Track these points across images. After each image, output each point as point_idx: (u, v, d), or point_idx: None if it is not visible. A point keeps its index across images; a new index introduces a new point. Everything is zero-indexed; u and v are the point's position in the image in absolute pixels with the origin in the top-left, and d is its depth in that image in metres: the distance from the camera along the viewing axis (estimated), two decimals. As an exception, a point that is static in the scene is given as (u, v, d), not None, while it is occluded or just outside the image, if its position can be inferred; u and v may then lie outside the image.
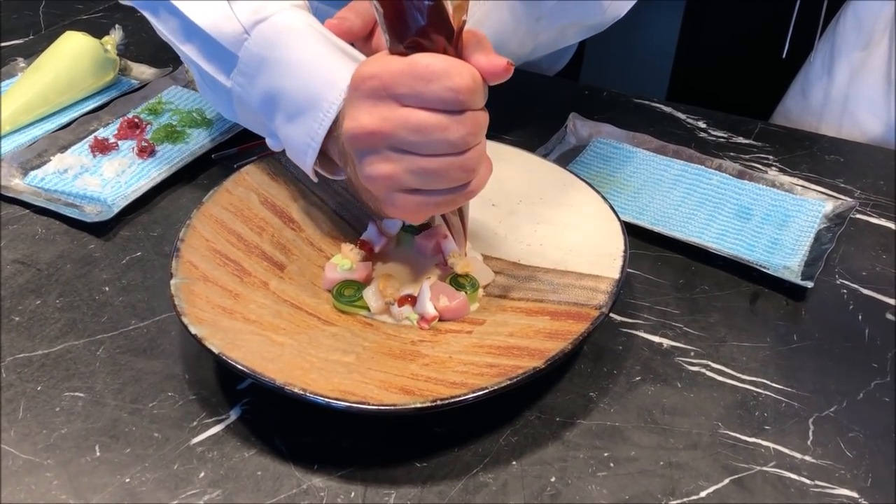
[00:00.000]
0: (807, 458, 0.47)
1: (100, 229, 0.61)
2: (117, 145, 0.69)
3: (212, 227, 0.54)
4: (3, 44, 0.87)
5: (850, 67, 0.82)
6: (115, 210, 0.61)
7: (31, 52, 0.82)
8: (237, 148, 0.69)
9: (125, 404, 0.48)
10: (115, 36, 0.80)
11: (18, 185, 0.65)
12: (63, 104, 0.74)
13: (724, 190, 0.67)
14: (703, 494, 0.44)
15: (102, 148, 0.68)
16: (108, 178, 0.65)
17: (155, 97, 0.76)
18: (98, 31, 0.79)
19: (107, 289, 0.56)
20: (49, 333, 0.52)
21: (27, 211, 0.63)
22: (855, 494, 0.45)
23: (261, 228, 0.56)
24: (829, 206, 0.66)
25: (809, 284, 0.57)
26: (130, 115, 0.73)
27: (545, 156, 0.65)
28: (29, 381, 0.49)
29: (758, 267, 0.58)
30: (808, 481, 0.45)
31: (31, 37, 0.88)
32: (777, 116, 0.90)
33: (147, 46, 0.86)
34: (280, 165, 0.60)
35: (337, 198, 0.60)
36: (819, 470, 0.46)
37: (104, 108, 0.74)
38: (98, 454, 0.45)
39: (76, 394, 0.48)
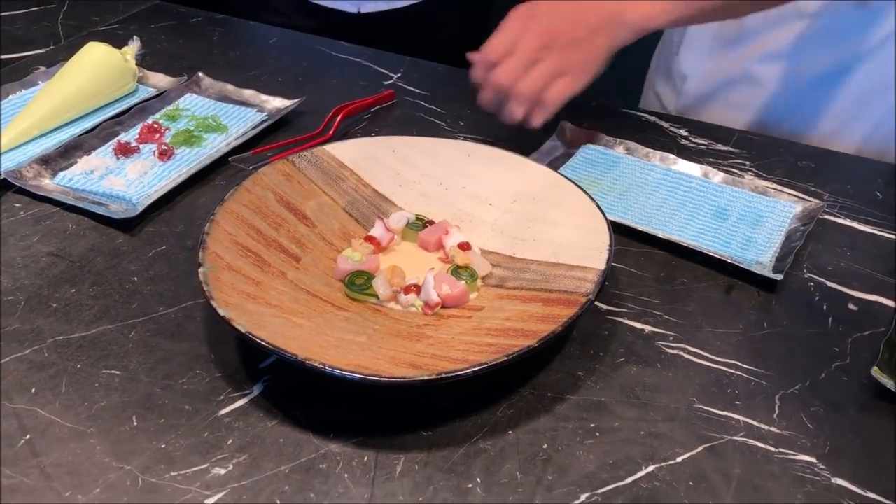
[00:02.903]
0: (772, 429, 0.52)
1: (126, 225, 0.66)
2: (139, 148, 0.74)
3: (233, 222, 0.59)
4: (24, 53, 0.91)
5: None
6: (140, 208, 0.66)
7: (52, 62, 0.87)
8: (251, 151, 0.74)
9: (157, 381, 0.53)
10: (133, 46, 0.85)
11: (48, 184, 0.70)
12: (86, 110, 0.78)
13: (703, 192, 0.73)
14: (679, 460, 0.50)
15: (125, 151, 0.73)
16: (131, 179, 0.70)
17: (172, 104, 0.81)
18: (115, 42, 0.83)
19: (135, 279, 0.61)
20: (85, 318, 0.57)
21: (58, 208, 0.68)
22: (814, 460, 0.50)
23: (277, 224, 0.61)
24: (799, 208, 0.71)
25: (779, 277, 0.62)
26: (150, 121, 0.78)
27: (538, 160, 0.71)
28: (69, 360, 0.54)
29: (732, 262, 0.64)
30: (773, 449, 0.51)
31: (52, 47, 0.93)
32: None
33: (162, 56, 0.91)
34: (293, 167, 0.65)
35: (346, 196, 0.65)
36: (783, 439, 0.51)
37: (125, 113, 0.79)
38: (135, 423, 0.50)
39: (112, 371, 0.53)
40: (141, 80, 0.85)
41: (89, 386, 0.52)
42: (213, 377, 0.53)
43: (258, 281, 0.56)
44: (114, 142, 0.75)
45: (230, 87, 0.84)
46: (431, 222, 0.63)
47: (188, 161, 0.73)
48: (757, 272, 0.63)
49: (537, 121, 0.68)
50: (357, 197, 0.65)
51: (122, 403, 0.51)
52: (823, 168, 0.78)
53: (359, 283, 0.58)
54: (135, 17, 1.01)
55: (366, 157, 0.67)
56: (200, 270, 0.53)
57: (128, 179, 0.70)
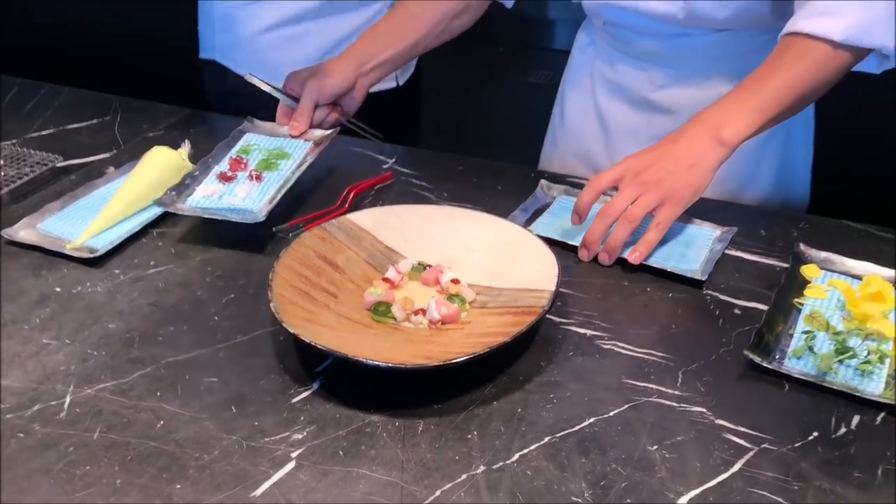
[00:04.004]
0: (676, 392, 0.75)
1: (205, 276, 0.89)
2: (235, 175, 1.01)
3: (287, 272, 0.82)
4: (94, 157, 1.15)
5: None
6: (262, 217, 0.92)
7: (118, 163, 1.11)
8: (288, 223, 0.98)
9: (244, 383, 0.75)
10: (185, 148, 1.08)
11: (184, 207, 0.95)
12: (154, 199, 1.01)
13: (645, 222, 0.95)
14: (611, 414, 0.72)
15: (227, 178, 1.00)
16: (243, 196, 0.97)
17: (241, 143, 1.08)
18: (168, 144, 1.07)
19: (216, 318, 0.83)
20: (184, 346, 0.79)
21: (149, 271, 0.90)
22: (704, 410, 0.73)
23: (318, 272, 0.84)
24: (717, 232, 0.96)
25: (704, 277, 0.87)
26: (234, 156, 1.05)
27: (524, 210, 0.97)
28: (179, 373, 0.76)
29: (672, 270, 0.88)
30: (676, 405, 0.73)
31: (115, 151, 1.17)
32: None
33: (207, 154, 1.15)
34: (326, 232, 0.88)
35: (365, 251, 0.89)
36: (683, 398, 0.74)
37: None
38: (234, 411, 0.72)
39: (211, 379, 0.75)
40: (193, 174, 1.08)
41: (197, 389, 0.74)
42: (284, 379, 0.75)
43: (310, 310, 0.78)
44: (216, 173, 1.02)
45: (279, 128, 1.11)
46: (429, 266, 0.87)
47: (275, 180, 1.01)
48: (689, 276, 0.88)
49: (641, 255, 0.90)
50: (373, 251, 0.89)
51: (223, 399, 0.73)
52: (723, 213, 1.03)
53: (381, 310, 0.81)
54: (176, 124, 1.25)
55: (378, 222, 0.91)
56: (272, 304, 0.76)
57: (240, 197, 0.97)
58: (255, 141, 1.09)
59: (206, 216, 0.95)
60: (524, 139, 1.53)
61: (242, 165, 1.03)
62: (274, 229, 0.97)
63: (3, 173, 1.07)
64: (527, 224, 0.98)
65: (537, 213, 1.00)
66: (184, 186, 0.99)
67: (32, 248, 0.93)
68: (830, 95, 0.98)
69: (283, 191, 0.97)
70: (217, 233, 0.97)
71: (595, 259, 0.93)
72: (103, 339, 0.80)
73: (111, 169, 1.10)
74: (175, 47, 1.56)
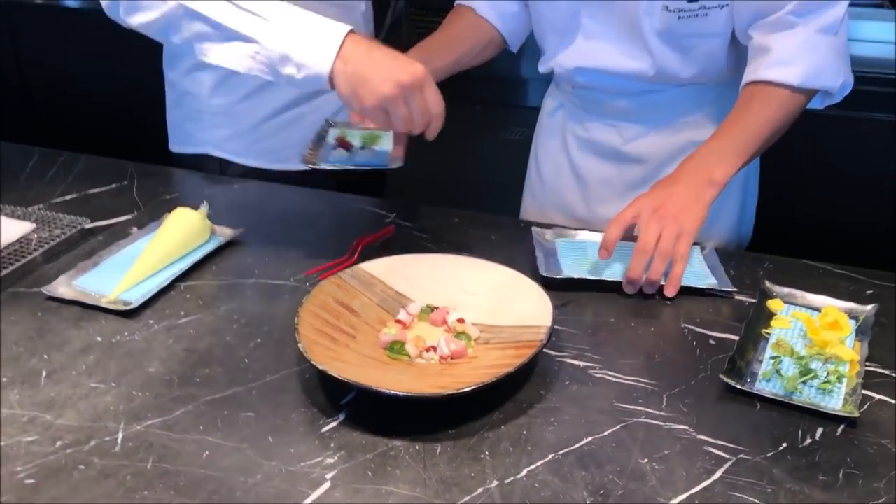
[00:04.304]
0: (662, 413, 0.84)
1: (234, 322, 0.97)
2: (351, 144, 1.26)
3: (310, 317, 0.91)
4: (117, 219, 1.24)
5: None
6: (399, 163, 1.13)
7: (141, 224, 1.20)
8: (304, 273, 1.07)
9: (278, 417, 0.84)
10: (205, 208, 1.18)
11: (325, 166, 1.20)
12: (181, 255, 1.10)
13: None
14: (605, 433, 0.82)
15: (346, 145, 1.25)
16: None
17: (332, 133, 1.29)
18: (183, 205, 1.16)
19: (246, 360, 0.92)
20: (220, 385, 0.88)
21: (180, 321, 0.99)
22: (687, 427, 0.82)
23: (337, 316, 0.93)
24: (698, 249, 1.10)
25: (735, 289, 1.02)
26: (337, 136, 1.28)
27: (543, 259, 1.08)
28: (217, 410, 0.84)
29: (707, 287, 1.02)
30: (662, 423, 0.83)
31: (136, 213, 1.26)
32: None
33: (223, 215, 1.24)
34: (342, 280, 0.98)
35: (378, 296, 0.98)
36: (669, 418, 0.84)
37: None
38: (271, 440, 0.80)
39: (248, 413, 0.84)
40: (212, 231, 1.17)
41: (236, 423, 0.83)
42: (313, 411, 0.84)
43: (333, 350, 0.87)
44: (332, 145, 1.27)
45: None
46: (436, 308, 0.97)
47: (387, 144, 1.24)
48: (722, 291, 1.03)
49: (675, 288, 1.02)
50: (385, 296, 0.98)
51: (260, 431, 0.82)
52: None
53: (396, 348, 0.90)
54: (189, 187, 1.35)
55: (387, 270, 1.01)
56: (300, 345, 0.85)
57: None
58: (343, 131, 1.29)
59: (351, 168, 1.20)
60: (502, 192, 1.64)
61: (348, 144, 1.23)
62: (292, 279, 1.07)
63: (36, 235, 1.15)
64: (550, 267, 1.08)
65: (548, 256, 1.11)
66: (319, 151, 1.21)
67: (71, 302, 1.01)
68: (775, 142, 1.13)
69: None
70: (239, 286, 1.06)
71: (580, 296, 1.03)
72: (146, 381, 0.89)
73: (134, 229, 1.19)
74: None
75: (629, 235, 1.05)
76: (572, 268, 1.08)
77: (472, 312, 0.96)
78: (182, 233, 1.12)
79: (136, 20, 1.02)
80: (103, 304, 1.01)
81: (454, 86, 1.34)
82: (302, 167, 1.19)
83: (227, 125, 1.41)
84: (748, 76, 1.12)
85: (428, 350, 0.90)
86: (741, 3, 1.11)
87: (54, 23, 2.72)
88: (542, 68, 1.30)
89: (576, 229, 1.17)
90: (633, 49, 1.17)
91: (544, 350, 0.89)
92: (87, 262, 1.08)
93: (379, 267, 1.01)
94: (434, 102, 0.98)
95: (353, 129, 1.29)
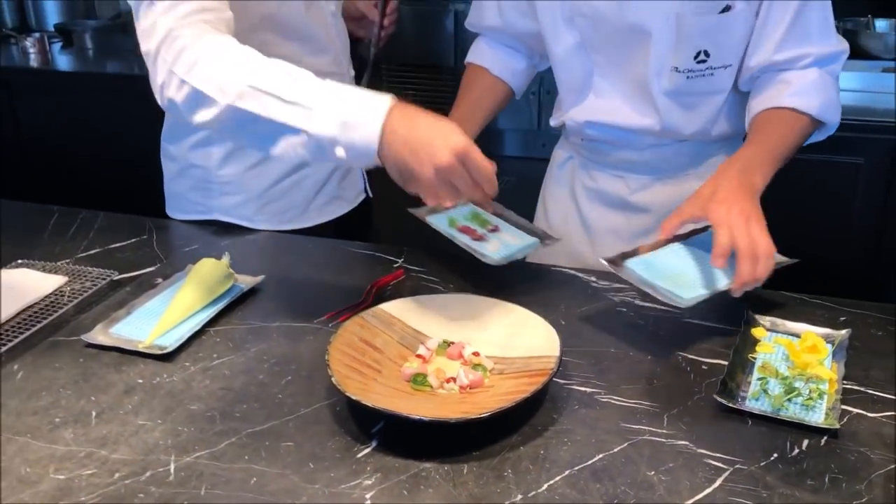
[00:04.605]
0: (664, 431, 0.93)
1: (267, 362, 1.05)
2: (484, 234, 1.29)
3: (338, 353, 0.99)
4: (141, 271, 1.32)
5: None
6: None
7: (166, 275, 1.28)
8: (326, 315, 1.16)
9: (315, 445, 0.91)
10: (226, 258, 1.26)
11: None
12: (207, 303, 1.18)
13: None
14: (615, 450, 0.90)
15: (479, 237, 1.27)
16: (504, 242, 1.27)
17: (441, 222, 1.30)
18: (202, 257, 1.24)
19: (279, 396, 1.00)
20: (259, 419, 0.95)
21: (214, 362, 1.06)
22: (687, 443, 0.91)
23: (362, 353, 1.02)
24: None
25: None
26: (459, 225, 1.29)
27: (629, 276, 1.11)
28: (259, 441, 0.92)
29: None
30: (665, 441, 0.92)
31: (158, 265, 1.34)
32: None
33: (241, 265, 1.32)
34: (363, 320, 1.06)
35: (398, 334, 1.07)
36: (671, 436, 0.92)
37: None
38: (312, 466, 0.88)
39: (288, 443, 0.91)
40: (234, 280, 1.26)
41: (277, 452, 0.90)
42: (347, 440, 0.92)
43: (362, 383, 0.96)
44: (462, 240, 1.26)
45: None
46: (452, 343, 1.05)
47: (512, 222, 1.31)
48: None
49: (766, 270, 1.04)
50: (404, 334, 1.07)
51: (300, 459, 0.89)
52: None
53: (419, 380, 0.99)
54: (207, 239, 1.43)
55: (404, 310, 1.09)
56: (332, 379, 0.93)
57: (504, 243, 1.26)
58: (452, 214, 1.30)
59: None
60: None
61: (471, 230, 1.25)
62: (315, 321, 1.15)
63: (69, 288, 1.23)
64: (665, 295, 1.08)
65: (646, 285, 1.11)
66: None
67: (110, 348, 1.09)
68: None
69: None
70: (265, 329, 1.14)
71: (581, 330, 1.12)
72: (189, 418, 0.96)
73: (160, 280, 1.27)
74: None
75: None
76: (673, 285, 1.09)
77: (485, 346, 1.05)
78: (208, 281, 1.20)
79: (198, 119, 1.06)
80: (140, 349, 1.08)
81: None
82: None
83: (235, 193, 1.47)
84: (766, 102, 1.23)
85: (448, 381, 0.98)
86: (763, 59, 1.23)
87: (48, 86, 2.81)
88: (554, 122, 1.42)
89: (631, 253, 1.15)
90: (642, 106, 1.28)
91: (553, 378, 0.98)
92: (120, 311, 1.16)
93: (397, 307, 1.10)
94: (485, 164, 0.97)
95: (446, 215, 1.30)
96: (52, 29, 3.03)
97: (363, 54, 1.66)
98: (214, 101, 1.02)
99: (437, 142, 0.95)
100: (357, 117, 0.97)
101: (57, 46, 2.94)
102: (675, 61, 1.23)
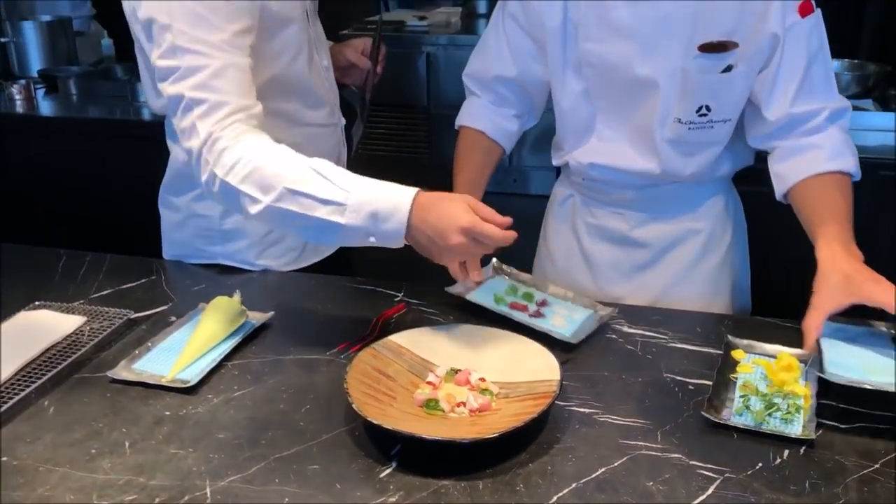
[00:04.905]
0: (658, 446, 1.02)
1: (288, 393, 1.12)
2: (541, 311, 1.35)
3: (355, 381, 1.07)
4: (155, 310, 1.38)
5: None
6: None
7: (179, 314, 1.35)
8: (338, 347, 1.23)
9: (340, 468, 0.98)
10: (238, 296, 1.33)
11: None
12: (223, 337, 1.25)
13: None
14: (616, 464, 0.99)
15: (539, 315, 1.26)
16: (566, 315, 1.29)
17: (486, 299, 1.35)
18: (212, 296, 1.31)
19: (301, 423, 1.07)
20: (285, 444, 1.02)
21: (236, 394, 1.13)
22: (681, 455, 1.00)
23: (376, 381, 1.09)
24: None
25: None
26: (509, 303, 1.35)
27: None
28: (289, 464, 0.99)
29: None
30: (660, 454, 1.00)
31: (170, 304, 1.40)
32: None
33: (249, 302, 1.39)
34: (375, 351, 1.14)
35: (407, 363, 1.15)
36: (665, 450, 1.01)
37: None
38: (338, 487, 0.95)
39: (314, 466, 0.98)
40: (246, 317, 1.33)
41: (305, 475, 0.97)
42: (368, 461, 0.99)
43: (380, 409, 1.03)
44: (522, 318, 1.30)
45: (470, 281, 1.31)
46: (459, 370, 1.13)
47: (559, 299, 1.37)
48: None
49: None
50: (413, 363, 1.15)
51: (327, 480, 0.96)
52: (678, 318, 1.34)
53: (431, 405, 1.07)
54: (214, 278, 1.50)
55: (412, 341, 1.18)
56: (353, 405, 1.01)
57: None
58: (491, 290, 1.36)
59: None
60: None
61: (522, 306, 1.32)
62: (328, 353, 1.22)
63: (88, 327, 1.29)
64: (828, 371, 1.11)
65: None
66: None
67: (135, 383, 1.15)
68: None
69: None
70: (280, 362, 1.22)
71: (576, 355, 1.21)
72: (218, 445, 1.03)
73: (174, 318, 1.33)
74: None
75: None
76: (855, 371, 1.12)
77: (490, 372, 1.13)
78: (224, 318, 1.27)
79: (243, 212, 1.17)
80: (164, 383, 1.14)
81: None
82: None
83: (238, 239, 1.53)
84: (807, 169, 1.30)
85: (458, 405, 1.06)
86: (778, 118, 1.31)
87: (35, 131, 2.87)
88: (557, 162, 1.51)
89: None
90: (643, 151, 1.38)
91: (555, 402, 1.07)
92: (141, 349, 1.22)
93: (405, 338, 1.18)
94: (492, 231, 1.09)
95: (488, 290, 1.37)
96: (36, 75, 3.09)
97: (350, 100, 1.75)
98: (257, 199, 1.14)
99: (448, 226, 1.09)
100: (386, 210, 1.10)
101: (41, 92, 3.00)
102: (678, 113, 1.32)
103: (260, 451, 1.01)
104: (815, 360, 1.15)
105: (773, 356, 1.20)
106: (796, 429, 1.04)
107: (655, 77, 1.30)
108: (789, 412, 1.07)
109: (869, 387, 1.07)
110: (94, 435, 1.05)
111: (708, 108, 1.31)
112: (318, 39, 1.51)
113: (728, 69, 1.28)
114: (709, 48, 1.26)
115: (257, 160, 1.14)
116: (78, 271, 1.52)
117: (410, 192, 1.11)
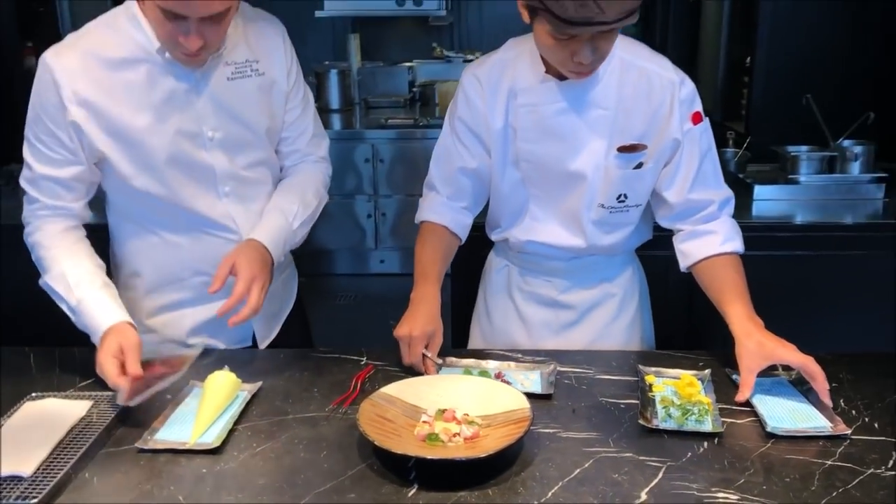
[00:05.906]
0: (613, 449, 1.31)
1: (304, 433, 1.32)
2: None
3: (366, 421, 1.29)
4: (150, 390, 1.52)
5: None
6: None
7: (172, 392, 1.50)
8: (332, 403, 1.44)
9: (375, 492, 1.19)
10: (227, 370, 1.51)
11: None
12: (224, 408, 1.42)
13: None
14: (586, 465, 1.26)
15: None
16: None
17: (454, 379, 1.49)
18: (209, 372, 1.48)
19: (325, 465, 1.27)
20: (318, 483, 1.22)
21: (253, 423, 1.31)
22: (632, 454, 1.29)
23: (381, 424, 1.32)
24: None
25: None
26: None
27: None
28: (326, 498, 1.19)
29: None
30: (617, 455, 1.29)
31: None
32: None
33: (243, 375, 1.56)
34: (372, 402, 1.36)
35: (401, 409, 1.38)
36: (619, 451, 1.30)
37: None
38: (377, 507, 1.17)
39: (352, 495, 1.19)
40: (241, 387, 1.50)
41: (347, 503, 1.18)
42: (394, 486, 1.21)
43: (389, 442, 1.26)
44: None
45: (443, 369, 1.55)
46: (445, 409, 1.38)
47: (513, 375, 1.44)
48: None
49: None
50: (405, 408, 1.38)
51: (360, 501, 1.17)
52: (587, 357, 1.65)
53: (432, 438, 1.30)
54: (201, 357, 1.66)
55: (399, 390, 1.41)
56: (376, 442, 1.23)
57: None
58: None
59: None
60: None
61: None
62: (327, 409, 1.43)
63: (95, 410, 1.42)
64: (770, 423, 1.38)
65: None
66: None
67: (162, 451, 1.30)
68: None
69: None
70: (284, 421, 1.41)
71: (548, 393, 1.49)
72: (262, 490, 1.21)
73: (169, 396, 1.49)
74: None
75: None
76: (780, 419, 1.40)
77: (471, 408, 1.39)
78: (224, 389, 1.44)
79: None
80: (189, 447, 1.31)
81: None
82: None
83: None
84: (705, 250, 1.64)
85: (454, 436, 1.31)
86: (679, 201, 1.66)
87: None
88: (496, 237, 1.80)
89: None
90: (572, 229, 1.69)
91: (527, 424, 1.33)
92: (157, 422, 1.38)
93: (394, 389, 1.41)
94: (108, 373, 1.44)
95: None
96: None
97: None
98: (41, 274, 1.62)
99: (102, 351, 1.50)
100: (92, 327, 1.55)
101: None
102: (601, 199, 1.65)
103: (300, 490, 1.21)
104: (708, 385, 1.50)
105: (677, 377, 1.53)
106: (708, 426, 1.37)
107: (584, 171, 1.63)
108: (701, 415, 1.40)
109: (810, 434, 1.35)
110: (146, 495, 1.20)
111: (625, 196, 1.65)
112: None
113: (639, 165, 1.63)
114: (625, 149, 1.61)
115: (49, 253, 1.61)
116: (53, 365, 1.63)
117: (112, 319, 1.52)
